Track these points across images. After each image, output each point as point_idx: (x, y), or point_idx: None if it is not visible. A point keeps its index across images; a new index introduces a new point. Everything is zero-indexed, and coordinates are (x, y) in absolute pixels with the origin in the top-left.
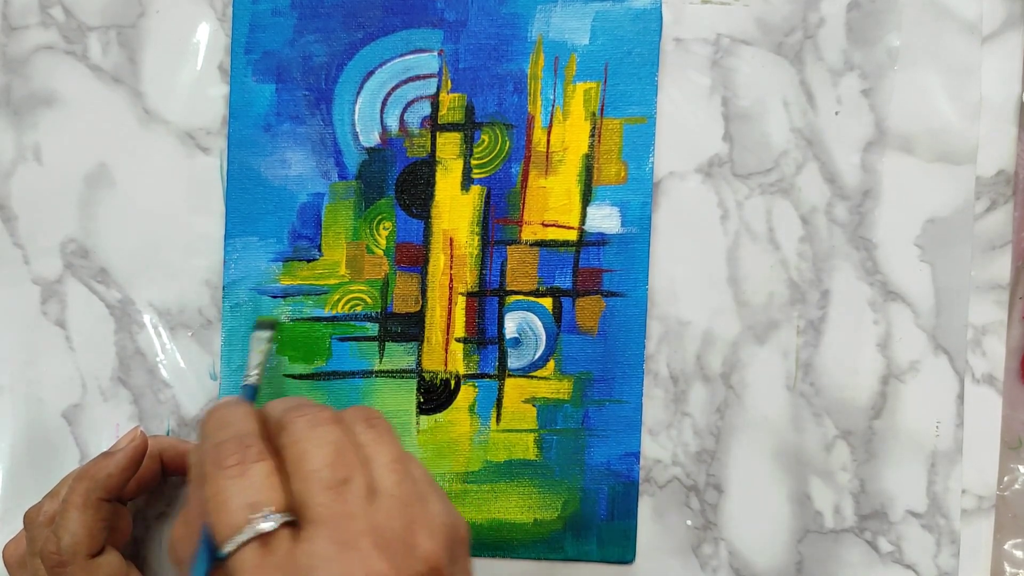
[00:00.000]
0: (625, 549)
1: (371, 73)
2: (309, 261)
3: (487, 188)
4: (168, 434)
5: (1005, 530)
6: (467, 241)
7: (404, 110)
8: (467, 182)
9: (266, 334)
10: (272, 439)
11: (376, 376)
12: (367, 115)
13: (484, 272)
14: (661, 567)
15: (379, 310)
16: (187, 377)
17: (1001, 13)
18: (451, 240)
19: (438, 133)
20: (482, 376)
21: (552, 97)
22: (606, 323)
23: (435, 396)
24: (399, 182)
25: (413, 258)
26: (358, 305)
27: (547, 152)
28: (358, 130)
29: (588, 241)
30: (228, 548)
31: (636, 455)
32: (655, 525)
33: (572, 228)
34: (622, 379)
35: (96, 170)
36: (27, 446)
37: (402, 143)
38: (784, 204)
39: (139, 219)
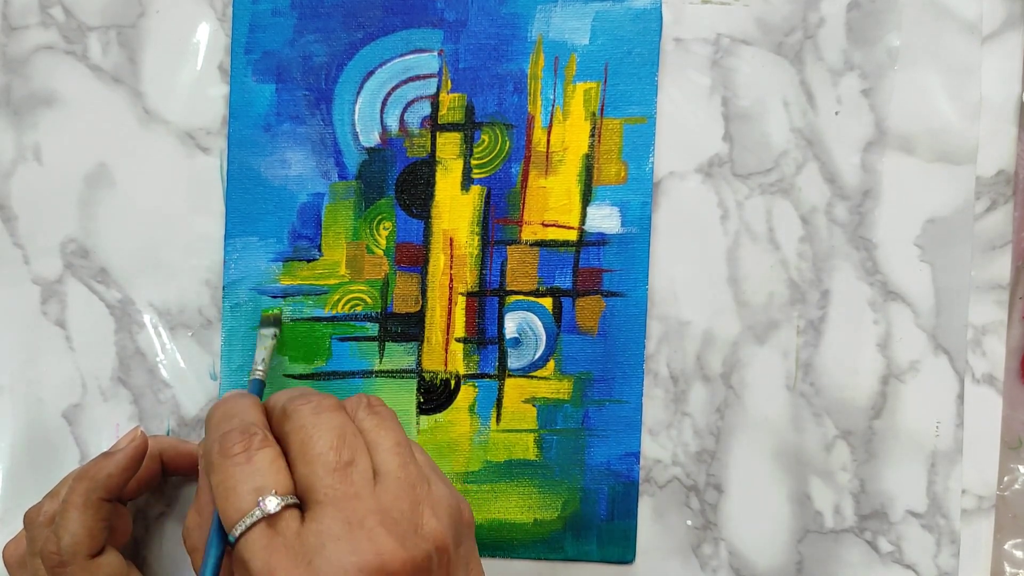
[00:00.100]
0: (625, 549)
1: (371, 73)
2: (309, 261)
3: (487, 188)
4: (168, 434)
5: (1005, 530)
6: (467, 241)
7: (404, 110)
8: (467, 182)
9: (271, 329)
10: (277, 428)
11: (376, 376)
12: (367, 115)
13: (484, 272)
14: (661, 567)
15: (379, 310)
16: (187, 377)
17: (1001, 13)
18: (451, 240)
19: (438, 133)
20: (482, 376)
21: (552, 97)
22: (606, 323)
23: (435, 396)
24: (399, 182)
25: (413, 258)
26: (358, 305)
27: (547, 152)
28: (358, 130)
29: (588, 241)
30: (237, 531)
31: (636, 455)
32: (655, 525)
33: (572, 228)
34: (622, 379)
35: (96, 170)
36: (27, 446)
37: (402, 143)
38: (784, 204)
39: (139, 219)
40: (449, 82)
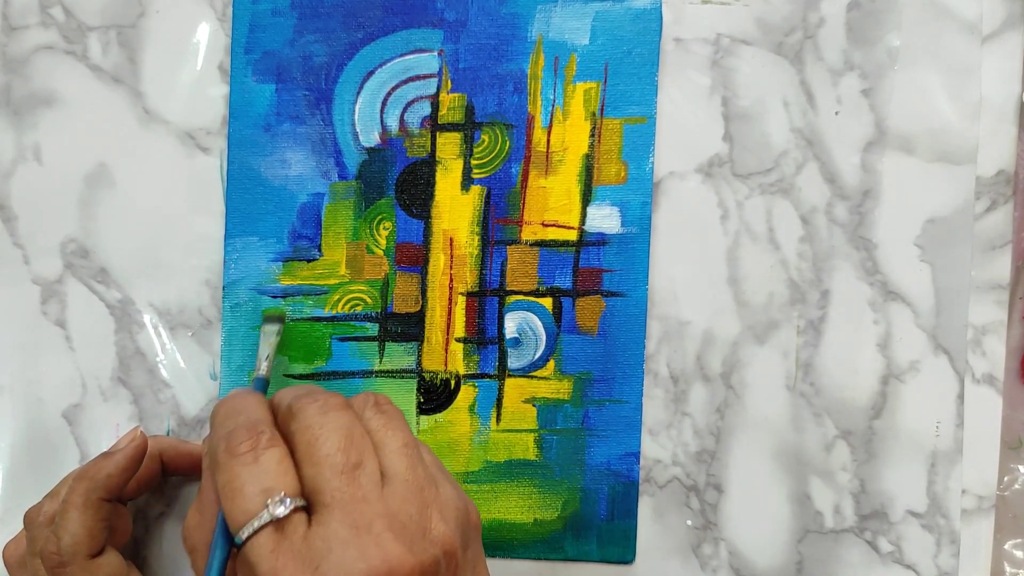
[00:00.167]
0: (625, 549)
1: (371, 73)
2: (309, 261)
3: (487, 188)
4: (168, 434)
5: (1005, 530)
6: (467, 241)
7: (404, 110)
8: (467, 182)
9: (274, 327)
10: (283, 426)
11: (376, 376)
12: (367, 115)
13: (484, 272)
14: (661, 567)
15: (379, 310)
16: (187, 377)
17: (1001, 13)
18: (451, 240)
19: (438, 133)
20: (482, 376)
21: (552, 97)
22: (606, 323)
23: (435, 396)
24: (399, 182)
25: (413, 258)
26: (358, 305)
27: (547, 152)
28: (358, 130)
29: (588, 241)
30: (244, 534)
31: (636, 455)
32: (655, 525)
33: (572, 228)
34: (622, 379)
35: (96, 170)
36: (27, 446)
37: (402, 143)
38: (784, 204)
39: (139, 219)
40: (449, 82)
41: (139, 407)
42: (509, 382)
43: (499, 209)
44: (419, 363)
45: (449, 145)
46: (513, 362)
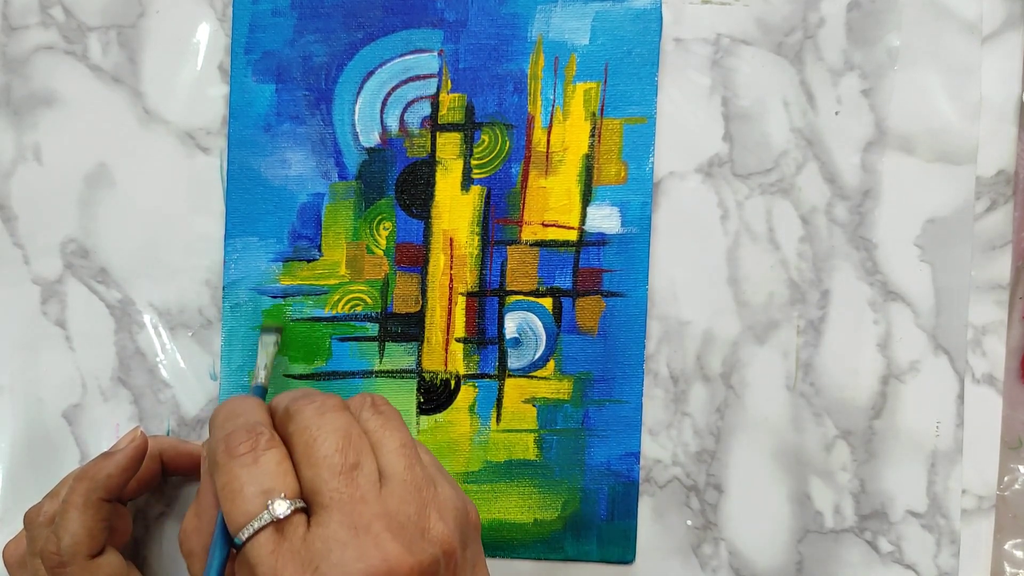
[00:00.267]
0: (625, 549)
1: (371, 73)
2: (309, 261)
3: (487, 188)
4: (168, 434)
5: (1005, 530)
6: (467, 241)
7: (404, 110)
8: (467, 182)
9: (272, 336)
10: (280, 429)
11: (376, 376)
12: (367, 115)
13: (484, 272)
14: (661, 567)
15: (379, 310)
16: (187, 377)
17: (1001, 13)
18: (451, 240)
19: (438, 133)
20: (482, 376)
21: (552, 97)
22: (606, 323)
23: (435, 396)
24: (399, 182)
25: (413, 258)
26: (358, 305)
27: (547, 152)
28: (358, 130)
29: (588, 241)
30: (244, 535)
31: (636, 455)
32: (655, 525)
33: (572, 228)
34: (622, 379)
35: (96, 170)
36: (27, 446)
37: (402, 143)
38: (784, 204)
39: (139, 219)
40: (449, 82)
41: (139, 407)
42: (509, 382)
43: (499, 209)
44: (419, 363)
45: (449, 145)
46: (513, 362)
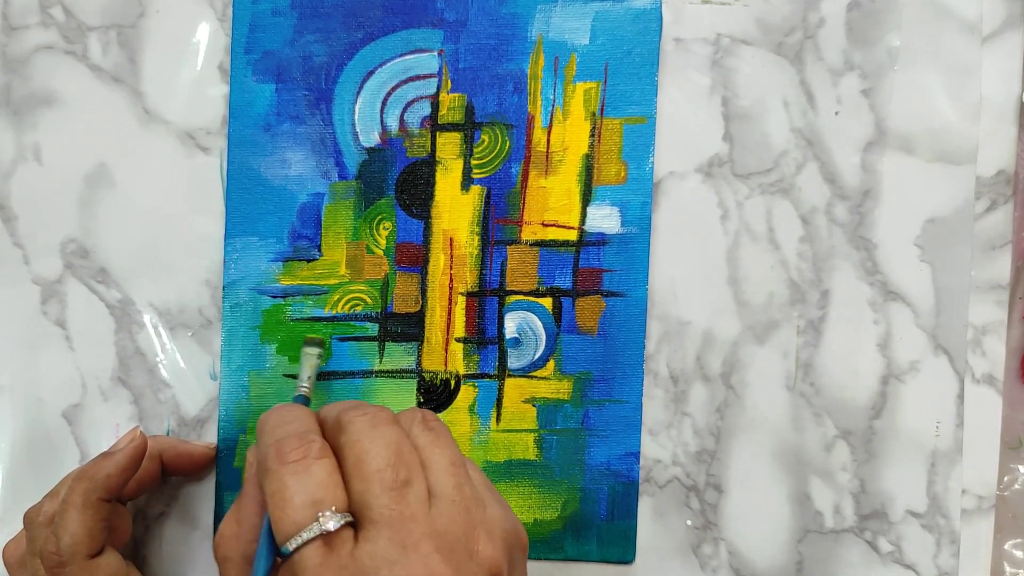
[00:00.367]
0: (625, 549)
1: (371, 73)
2: (309, 261)
3: (487, 188)
4: (168, 434)
5: (1005, 530)
6: (467, 241)
7: (404, 110)
8: (467, 182)
9: (316, 349)
10: (331, 439)
11: (376, 376)
12: (367, 115)
13: (484, 272)
14: (661, 567)
15: (379, 310)
16: (187, 377)
17: (1001, 13)
18: (451, 240)
19: (438, 133)
20: (482, 376)
21: (552, 97)
22: (606, 323)
23: (435, 396)
24: (399, 182)
25: (413, 258)
26: (358, 305)
27: (547, 152)
28: (358, 130)
29: (588, 241)
30: (292, 545)
31: (636, 455)
32: (655, 525)
33: (572, 228)
34: (622, 379)
35: (96, 170)
36: (27, 446)
37: (402, 143)
38: (784, 204)
39: (139, 219)
40: (449, 82)
41: (139, 407)
42: (509, 382)
43: (499, 209)
44: (419, 363)
45: (449, 145)
46: (513, 362)
